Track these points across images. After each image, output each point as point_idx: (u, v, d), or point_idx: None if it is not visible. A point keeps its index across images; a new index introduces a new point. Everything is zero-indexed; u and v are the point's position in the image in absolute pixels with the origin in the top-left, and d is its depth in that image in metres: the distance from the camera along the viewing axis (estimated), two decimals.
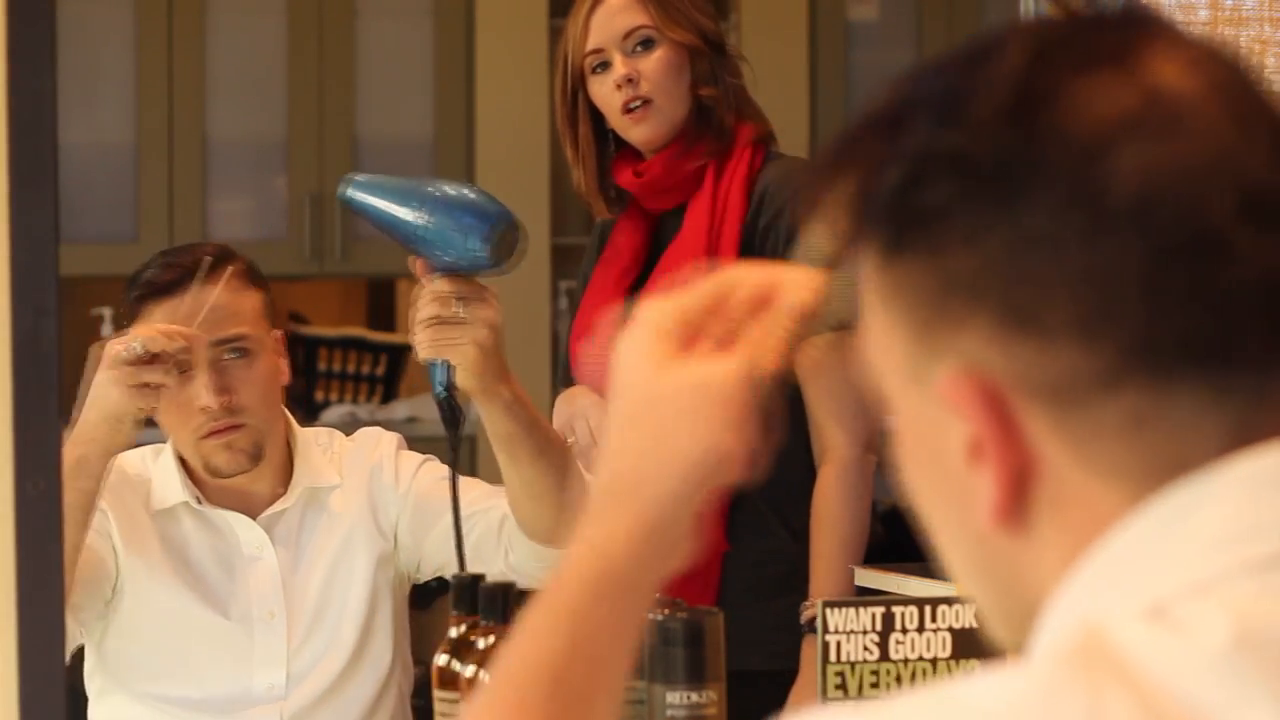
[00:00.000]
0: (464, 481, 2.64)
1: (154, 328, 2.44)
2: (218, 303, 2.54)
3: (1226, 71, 0.90)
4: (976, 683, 0.83)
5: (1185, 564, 0.86)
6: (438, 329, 2.29)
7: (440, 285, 2.29)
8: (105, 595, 2.56)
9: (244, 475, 2.61)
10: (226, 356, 2.55)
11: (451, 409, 2.32)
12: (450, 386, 2.31)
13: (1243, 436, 0.87)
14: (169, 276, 2.56)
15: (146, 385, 2.38)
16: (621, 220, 2.96)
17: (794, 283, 1.04)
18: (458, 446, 2.35)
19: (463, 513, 2.43)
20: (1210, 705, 0.80)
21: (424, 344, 2.30)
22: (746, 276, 1.06)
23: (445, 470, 2.59)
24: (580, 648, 1.00)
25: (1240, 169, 0.87)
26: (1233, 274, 0.86)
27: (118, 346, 2.39)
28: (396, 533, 2.65)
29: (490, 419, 2.35)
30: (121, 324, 2.57)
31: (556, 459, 2.39)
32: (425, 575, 2.69)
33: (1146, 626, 0.83)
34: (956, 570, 0.95)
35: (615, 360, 1.03)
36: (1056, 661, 0.83)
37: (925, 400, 0.91)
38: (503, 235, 2.28)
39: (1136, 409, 0.87)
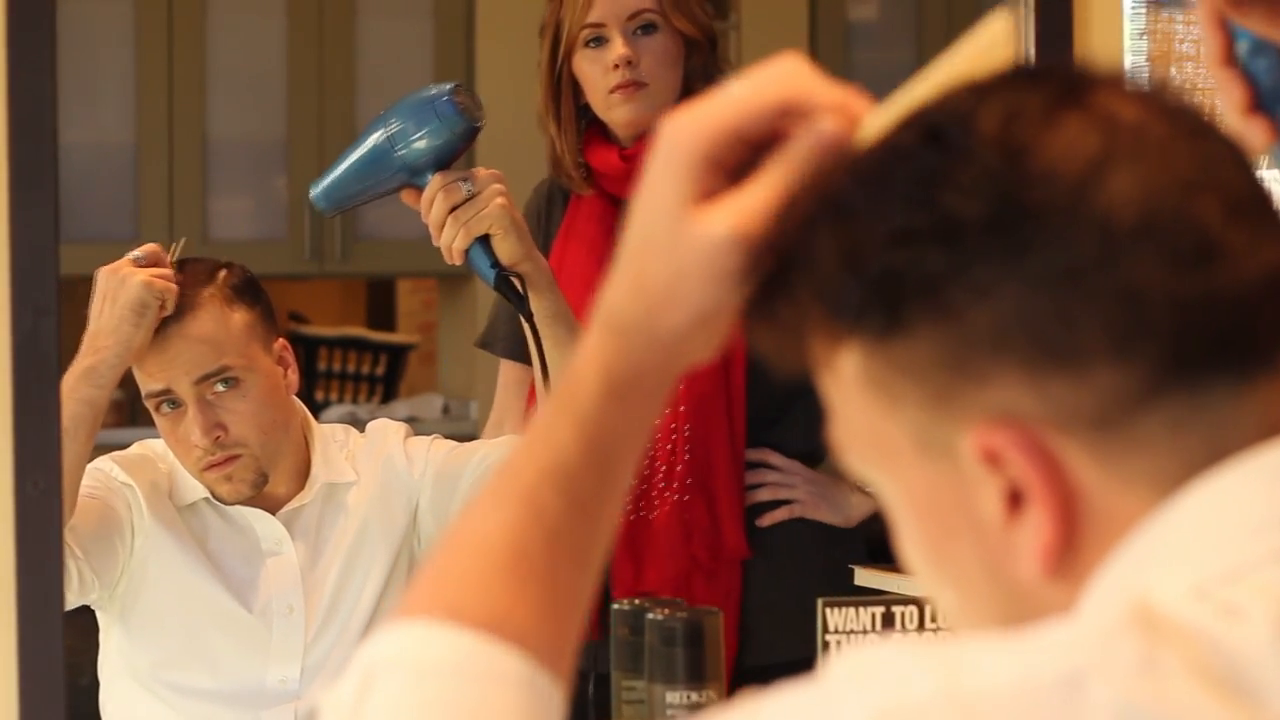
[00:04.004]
0: (464, 446, 2.66)
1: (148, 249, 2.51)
2: (196, 335, 2.53)
3: (1161, 96, 0.94)
4: (1033, 630, 0.85)
5: (1217, 551, 0.88)
6: (458, 214, 2.34)
7: (437, 179, 2.34)
8: (115, 561, 2.55)
9: None
10: (214, 391, 2.54)
11: (508, 282, 2.36)
12: (497, 264, 2.35)
13: (1269, 425, 0.90)
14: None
15: (161, 278, 2.46)
16: (584, 201, 2.93)
17: (833, 106, 0.98)
18: (531, 317, 2.38)
19: (476, 466, 2.54)
20: (1256, 683, 0.82)
21: (456, 235, 2.34)
22: (786, 88, 0.99)
23: (452, 442, 2.69)
24: (592, 450, 1.00)
25: (1214, 179, 0.91)
26: (1239, 273, 0.90)
27: (124, 258, 2.47)
28: (417, 516, 2.66)
29: (541, 293, 2.38)
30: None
31: None
32: None
33: (1193, 604, 0.85)
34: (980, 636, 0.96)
35: (647, 175, 0.99)
36: (1111, 618, 0.84)
37: (943, 467, 0.92)
38: (465, 96, 2.38)
39: (1174, 416, 0.89)
